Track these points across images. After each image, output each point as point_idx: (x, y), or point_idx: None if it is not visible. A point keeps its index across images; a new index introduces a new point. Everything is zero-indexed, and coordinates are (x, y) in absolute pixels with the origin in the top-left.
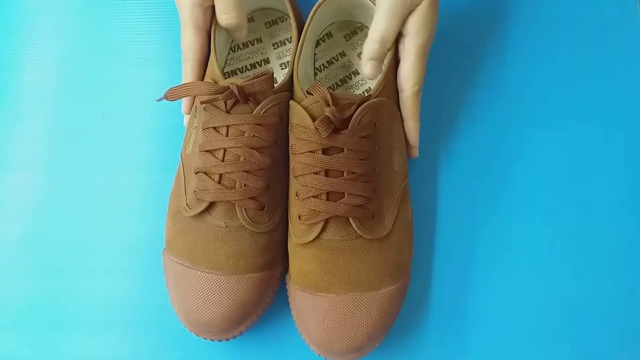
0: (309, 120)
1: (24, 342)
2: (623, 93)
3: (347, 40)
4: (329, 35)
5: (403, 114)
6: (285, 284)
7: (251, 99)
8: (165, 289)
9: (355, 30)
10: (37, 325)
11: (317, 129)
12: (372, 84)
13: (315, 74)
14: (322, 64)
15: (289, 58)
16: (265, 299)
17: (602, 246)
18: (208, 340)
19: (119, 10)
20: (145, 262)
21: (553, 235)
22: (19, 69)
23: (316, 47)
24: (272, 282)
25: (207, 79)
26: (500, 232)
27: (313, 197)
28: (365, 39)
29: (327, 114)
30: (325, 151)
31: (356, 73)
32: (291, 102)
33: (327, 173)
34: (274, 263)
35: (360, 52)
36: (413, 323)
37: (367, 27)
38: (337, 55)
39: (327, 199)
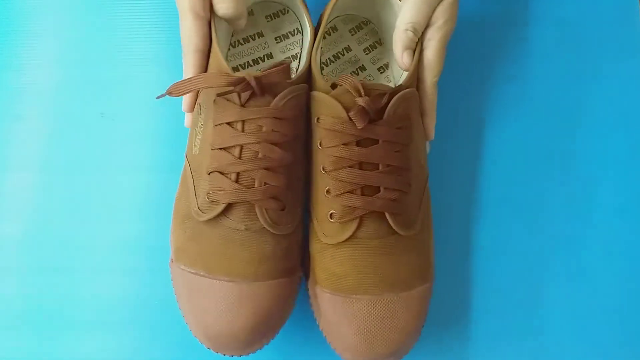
0: (342, 111)
1: (23, 342)
2: (622, 93)
3: (352, 35)
4: (334, 28)
5: (422, 105)
6: (306, 289)
7: (267, 91)
8: (167, 290)
9: (360, 25)
10: (36, 326)
11: (351, 120)
12: (380, 80)
13: (322, 68)
14: (329, 58)
15: (293, 52)
16: (287, 307)
17: (626, 251)
18: (227, 356)
19: (119, 10)
20: (145, 262)
21: (554, 235)
22: (17, 69)
23: (322, 40)
24: (294, 288)
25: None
26: (509, 233)
27: (348, 192)
28: (370, 34)
29: (361, 104)
30: (359, 143)
31: (363, 69)
32: (316, 93)
33: (361, 166)
34: (294, 268)
35: (366, 48)
36: (441, 323)
37: (372, 23)
38: (342, 49)
39: (362, 194)
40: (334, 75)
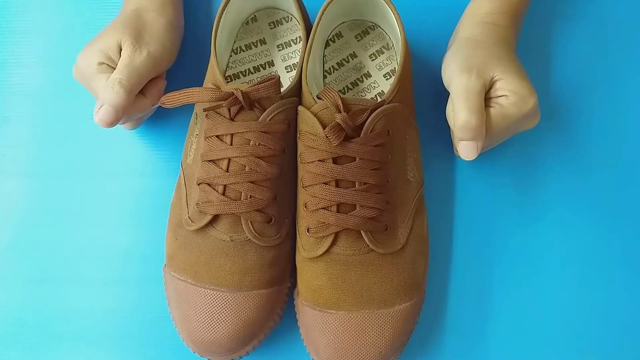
0: (318, 127)
1: (10, 356)
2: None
3: (358, 41)
4: (339, 35)
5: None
6: (293, 299)
7: (257, 105)
8: (161, 302)
9: (367, 29)
10: (25, 340)
11: (327, 137)
12: (385, 87)
13: (325, 76)
14: (332, 66)
15: (294, 60)
16: (273, 316)
17: (627, 260)
18: None
19: (108, 7)
20: (139, 273)
21: (575, 248)
22: (4, 70)
23: (325, 48)
24: (280, 299)
25: (208, 84)
26: (521, 245)
27: (322, 208)
28: (377, 38)
29: (338, 120)
30: (335, 160)
31: (368, 75)
32: (300, 107)
33: (337, 183)
34: (281, 278)
35: (372, 53)
36: (428, 341)
37: (379, 26)
38: (347, 56)
39: (338, 211)
40: (336, 84)
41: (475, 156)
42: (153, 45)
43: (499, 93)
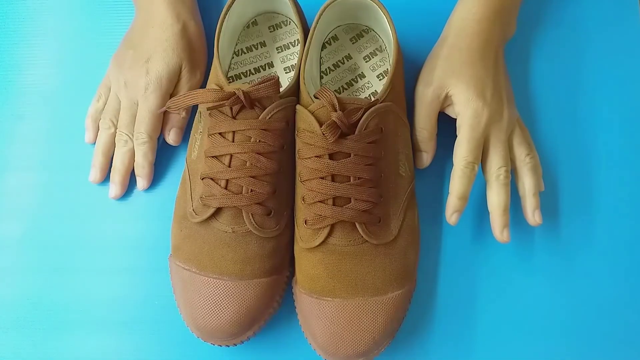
0: (315, 125)
1: (25, 341)
2: (622, 93)
3: (353, 43)
4: (335, 38)
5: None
6: (292, 288)
7: (257, 104)
8: (167, 290)
9: (361, 33)
10: (38, 325)
11: (323, 134)
12: (378, 87)
13: (321, 77)
14: (328, 67)
15: (293, 62)
16: (273, 303)
17: (614, 251)
18: (215, 345)
19: (120, 9)
20: (146, 262)
21: (559, 238)
22: (19, 69)
23: (322, 50)
24: (279, 287)
25: (212, 84)
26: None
27: (319, 202)
28: (371, 41)
29: (334, 119)
30: (332, 156)
31: (362, 76)
32: (298, 106)
33: (333, 178)
34: (280, 268)
35: (366, 55)
36: (418, 328)
37: (373, 30)
38: (343, 58)
39: (334, 204)
40: (332, 84)
41: (426, 164)
42: (203, 66)
43: (452, 101)
